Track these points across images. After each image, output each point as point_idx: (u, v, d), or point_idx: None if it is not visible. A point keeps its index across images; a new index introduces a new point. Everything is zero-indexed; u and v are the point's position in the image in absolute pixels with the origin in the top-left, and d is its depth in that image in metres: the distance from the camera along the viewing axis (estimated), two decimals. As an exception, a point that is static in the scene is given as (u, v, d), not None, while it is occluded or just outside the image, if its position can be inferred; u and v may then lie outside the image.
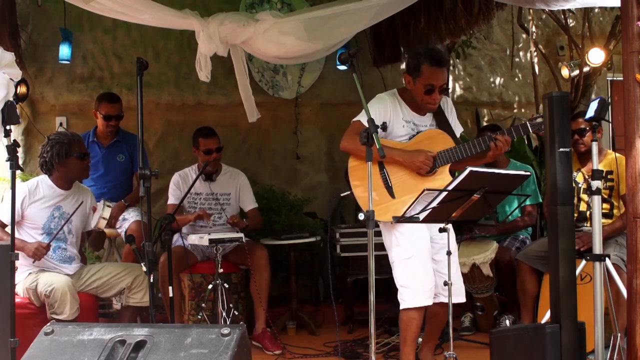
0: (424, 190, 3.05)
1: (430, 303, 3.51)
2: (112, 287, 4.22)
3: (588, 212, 4.26)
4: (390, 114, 3.57)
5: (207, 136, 4.74)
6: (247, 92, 4.71)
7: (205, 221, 4.68)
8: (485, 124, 6.52)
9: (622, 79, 3.13)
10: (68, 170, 4.12)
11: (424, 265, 3.50)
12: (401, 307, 3.52)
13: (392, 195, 3.48)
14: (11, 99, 3.47)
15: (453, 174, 3.63)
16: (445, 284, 3.32)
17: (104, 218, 4.20)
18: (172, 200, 4.77)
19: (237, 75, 4.64)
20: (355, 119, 3.58)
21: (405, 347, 3.57)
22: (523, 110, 6.98)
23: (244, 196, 4.91)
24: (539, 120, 3.41)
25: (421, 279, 3.48)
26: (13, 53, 3.72)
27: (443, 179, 3.49)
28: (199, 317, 4.33)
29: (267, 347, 4.54)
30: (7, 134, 3.36)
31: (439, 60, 3.47)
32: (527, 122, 3.44)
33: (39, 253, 3.92)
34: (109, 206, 4.25)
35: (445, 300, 3.52)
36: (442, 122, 3.63)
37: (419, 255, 3.49)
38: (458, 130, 3.72)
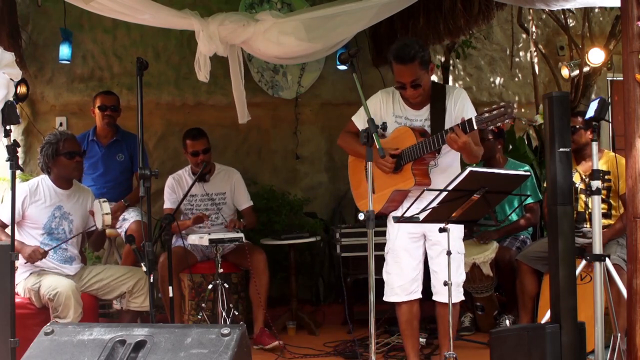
0: (424, 190, 3.05)
1: (401, 300, 3.61)
2: (113, 290, 4.22)
3: (587, 213, 4.26)
4: (380, 109, 3.63)
5: (194, 138, 4.73)
6: (241, 94, 4.71)
7: (205, 223, 4.68)
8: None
9: (622, 79, 3.13)
10: (59, 170, 4.13)
11: (397, 263, 3.61)
12: None
13: (373, 190, 3.57)
14: (11, 99, 3.47)
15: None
16: (445, 283, 3.30)
17: (106, 214, 4.18)
18: (167, 204, 4.77)
19: (232, 77, 4.64)
20: (352, 117, 3.74)
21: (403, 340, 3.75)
22: (523, 110, 6.98)
23: (239, 195, 4.91)
24: (486, 115, 3.19)
25: (392, 277, 3.62)
26: (13, 53, 3.72)
27: (404, 177, 3.51)
28: (199, 317, 4.33)
29: (265, 343, 4.54)
30: (7, 134, 3.37)
31: (401, 57, 3.43)
32: (473, 117, 3.26)
33: (34, 257, 3.92)
34: (104, 201, 4.21)
35: (440, 299, 3.59)
36: (435, 115, 3.55)
37: (392, 253, 3.63)
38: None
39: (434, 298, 3.64)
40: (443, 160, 3.58)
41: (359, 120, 3.71)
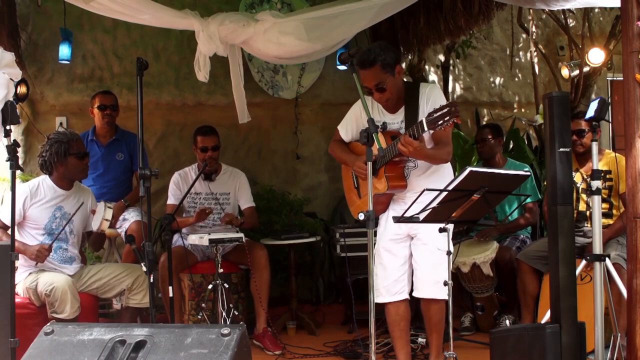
0: (424, 190, 3.05)
1: (386, 301, 3.60)
2: (113, 288, 4.21)
3: (588, 212, 4.26)
4: (361, 115, 3.63)
5: (205, 134, 4.77)
6: (240, 94, 4.72)
7: (206, 222, 4.68)
8: (482, 125, 6.51)
9: (622, 79, 3.13)
10: (67, 170, 4.12)
11: (381, 264, 3.61)
12: None
13: (359, 195, 3.65)
14: (11, 99, 3.47)
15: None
16: (445, 283, 3.29)
17: (106, 220, 4.18)
18: (171, 200, 4.78)
19: (232, 77, 4.64)
20: (338, 126, 3.83)
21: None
22: (523, 110, 6.98)
23: (241, 194, 4.92)
24: (434, 115, 3.07)
25: (377, 278, 3.60)
26: (13, 53, 3.73)
27: (379, 181, 3.51)
28: (199, 317, 4.34)
29: (268, 347, 4.55)
30: (7, 134, 3.37)
31: (362, 62, 3.43)
32: (423, 119, 3.15)
33: (41, 255, 3.92)
34: (109, 207, 4.23)
35: (420, 295, 3.55)
36: (410, 117, 3.51)
37: (377, 254, 3.63)
38: None
39: (414, 294, 3.60)
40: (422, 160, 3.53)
41: (343, 129, 3.80)
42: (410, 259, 3.62)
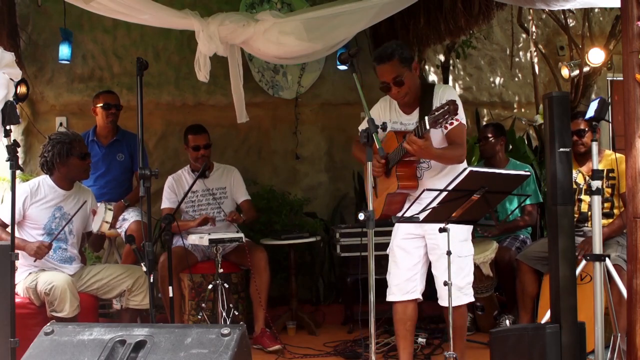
0: (424, 190, 3.05)
1: (396, 299, 3.60)
2: (113, 289, 4.21)
3: (589, 213, 4.26)
4: (379, 116, 3.66)
5: (196, 132, 4.81)
6: (240, 94, 4.73)
7: (210, 225, 4.68)
8: (485, 124, 6.51)
9: (622, 79, 3.13)
10: (69, 170, 4.12)
11: (394, 263, 3.62)
12: None
13: (376, 194, 3.68)
14: (11, 99, 3.48)
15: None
16: (445, 284, 3.28)
17: (106, 222, 4.18)
18: (166, 203, 4.79)
19: (231, 77, 4.65)
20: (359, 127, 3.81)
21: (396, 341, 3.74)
22: (523, 110, 6.98)
23: (237, 189, 4.95)
24: (435, 114, 3.13)
25: (390, 276, 3.63)
26: (13, 53, 3.73)
27: (391, 180, 3.53)
28: (199, 317, 4.34)
29: (266, 345, 4.55)
30: (7, 134, 3.37)
31: (379, 57, 3.48)
32: (426, 117, 3.19)
33: (40, 252, 3.92)
34: (110, 209, 4.22)
35: (444, 304, 3.48)
36: (422, 118, 3.51)
37: (391, 252, 3.66)
38: None
39: (439, 302, 3.56)
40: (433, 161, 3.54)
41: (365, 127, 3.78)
42: (425, 259, 3.61)
